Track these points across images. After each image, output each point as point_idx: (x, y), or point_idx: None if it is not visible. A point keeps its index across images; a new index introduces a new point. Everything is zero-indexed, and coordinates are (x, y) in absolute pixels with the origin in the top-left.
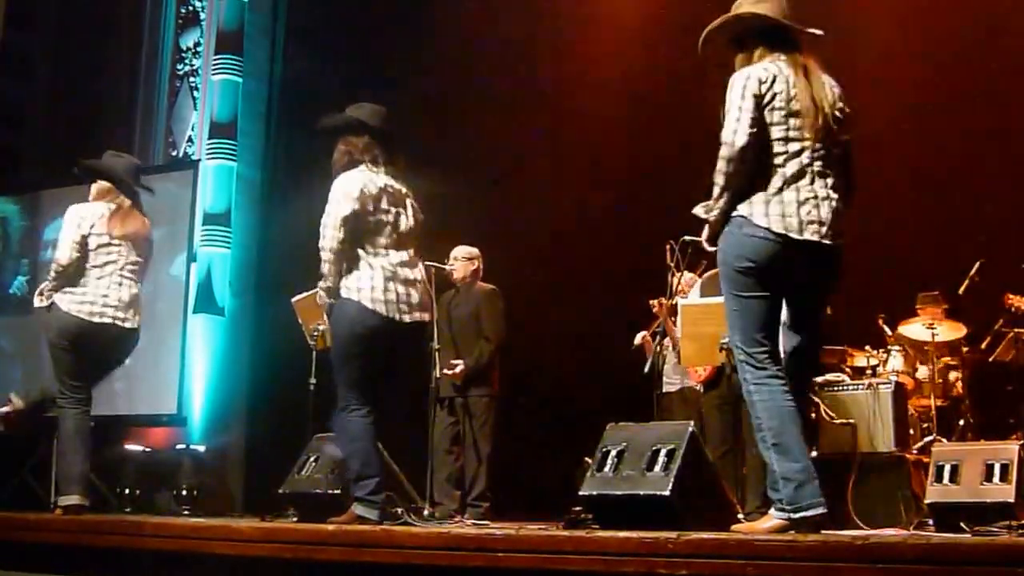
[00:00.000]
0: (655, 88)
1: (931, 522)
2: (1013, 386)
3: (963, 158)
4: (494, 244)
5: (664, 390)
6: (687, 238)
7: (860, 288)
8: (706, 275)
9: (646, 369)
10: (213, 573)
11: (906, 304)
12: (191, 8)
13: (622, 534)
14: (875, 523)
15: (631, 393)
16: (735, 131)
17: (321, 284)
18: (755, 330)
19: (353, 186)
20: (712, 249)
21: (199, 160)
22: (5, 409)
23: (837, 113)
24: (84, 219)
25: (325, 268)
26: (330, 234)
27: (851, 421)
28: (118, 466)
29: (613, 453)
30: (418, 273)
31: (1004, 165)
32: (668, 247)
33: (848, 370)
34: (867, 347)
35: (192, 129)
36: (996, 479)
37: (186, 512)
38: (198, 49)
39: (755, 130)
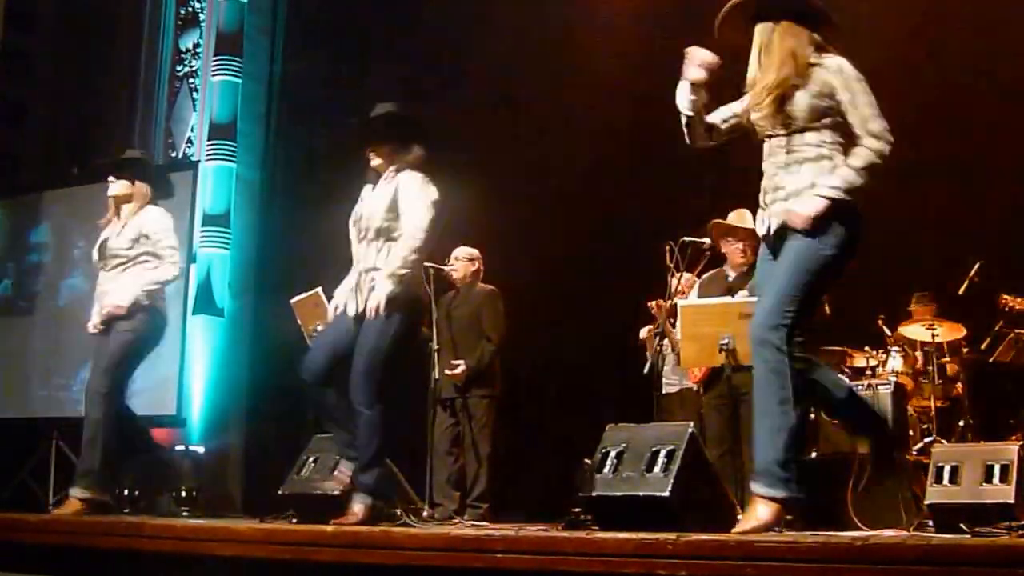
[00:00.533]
0: (656, 87)
1: (931, 523)
2: (1013, 387)
3: (963, 159)
4: (494, 245)
5: (663, 391)
6: (686, 239)
7: (860, 289)
8: (705, 276)
9: (645, 370)
10: (212, 574)
11: (906, 305)
12: (191, 9)
13: (622, 535)
14: (875, 524)
15: (630, 394)
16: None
17: (399, 271)
18: None
19: (435, 194)
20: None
21: (198, 161)
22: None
23: None
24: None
25: (411, 261)
26: (428, 231)
27: None
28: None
29: (612, 454)
30: None
31: (1004, 166)
32: (668, 248)
33: (847, 371)
34: (866, 348)
35: (191, 130)
36: (996, 480)
37: (185, 513)
38: (197, 50)
39: None
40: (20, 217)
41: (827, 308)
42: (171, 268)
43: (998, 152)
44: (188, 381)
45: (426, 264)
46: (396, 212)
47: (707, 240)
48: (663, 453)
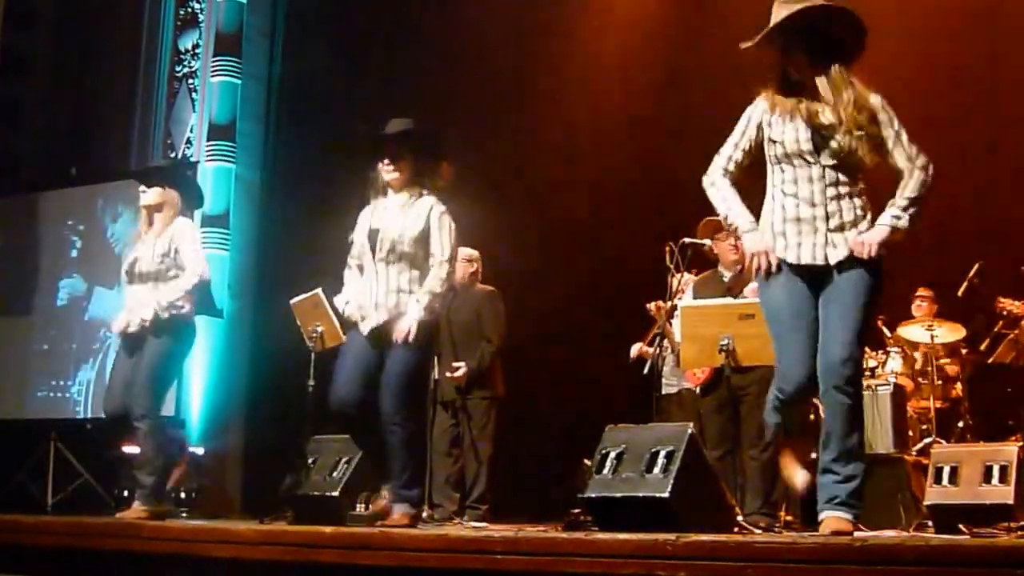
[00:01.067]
0: (656, 88)
1: (930, 523)
2: (1012, 388)
3: (963, 159)
4: (493, 246)
5: (663, 392)
6: (686, 240)
7: None
8: (699, 276)
9: (645, 370)
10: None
11: (905, 306)
12: (190, 10)
13: (621, 536)
14: (874, 525)
15: (630, 395)
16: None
17: (432, 302)
18: None
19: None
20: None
21: (198, 162)
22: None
23: None
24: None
25: (441, 292)
26: (452, 256)
27: None
28: (116, 469)
29: (612, 455)
30: None
31: (1004, 166)
32: (667, 249)
33: None
34: (866, 349)
35: (191, 131)
36: (995, 481)
37: (184, 514)
38: (197, 51)
39: None
40: (19, 217)
41: None
42: (191, 276)
43: (998, 152)
44: (187, 382)
45: None
46: (424, 242)
47: (708, 241)
48: (662, 454)
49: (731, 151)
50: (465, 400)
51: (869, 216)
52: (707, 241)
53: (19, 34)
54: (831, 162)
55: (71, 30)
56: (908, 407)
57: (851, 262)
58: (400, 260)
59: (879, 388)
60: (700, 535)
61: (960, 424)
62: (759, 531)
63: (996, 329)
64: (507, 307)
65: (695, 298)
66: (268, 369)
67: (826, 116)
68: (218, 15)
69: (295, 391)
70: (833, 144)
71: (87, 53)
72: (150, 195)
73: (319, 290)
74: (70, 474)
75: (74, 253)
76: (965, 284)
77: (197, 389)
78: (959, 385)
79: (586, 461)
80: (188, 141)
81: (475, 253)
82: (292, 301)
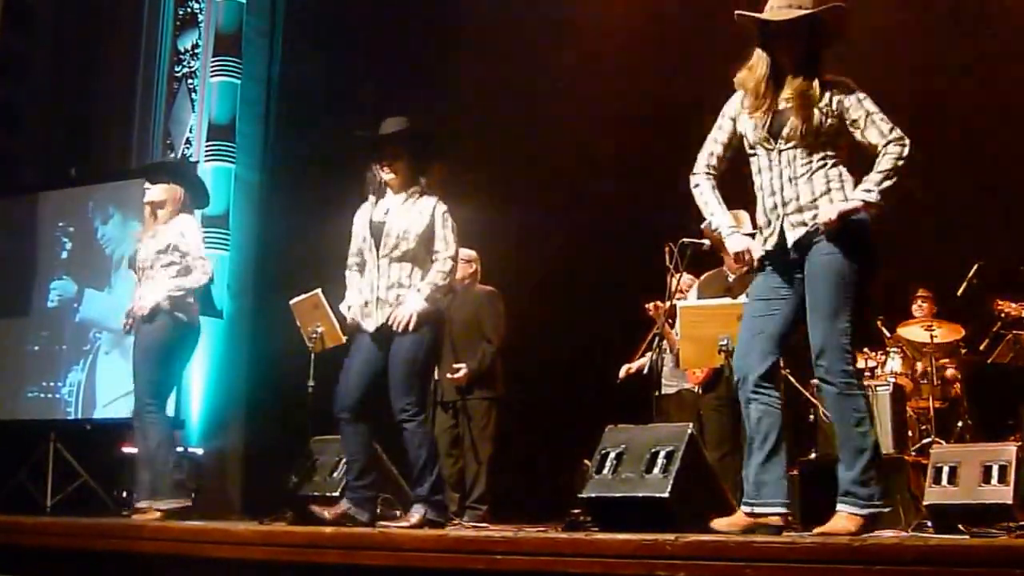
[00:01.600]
0: (657, 88)
1: (929, 523)
2: (1011, 388)
3: (962, 160)
4: (492, 246)
5: (663, 392)
6: (686, 240)
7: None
8: (705, 275)
9: (645, 371)
10: None
11: (905, 306)
12: (189, 10)
13: (621, 536)
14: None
15: (630, 395)
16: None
17: (433, 294)
18: None
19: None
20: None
21: (197, 162)
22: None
23: None
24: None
25: (442, 285)
26: (456, 253)
27: None
28: (116, 469)
29: (612, 455)
30: None
31: (1003, 167)
32: (667, 249)
33: None
34: (866, 349)
35: (190, 131)
36: (994, 481)
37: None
38: (196, 51)
39: None
40: (13, 218)
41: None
42: (201, 277)
43: (998, 152)
44: (187, 383)
45: None
46: (428, 239)
47: (707, 241)
48: (662, 454)
49: (711, 147)
50: (465, 400)
51: (836, 190)
52: (706, 241)
53: (17, 34)
54: (788, 145)
55: (70, 30)
56: (907, 407)
57: (822, 246)
58: (403, 258)
59: (879, 388)
60: (700, 535)
61: (959, 424)
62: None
63: (995, 329)
64: (507, 308)
65: (699, 297)
66: (268, 370)
67: (783, 99)
68: (217, 15)
69: (295, 392)
70: (786, 128)
71: (86, 53)
72: (154, 191)
73: (319, 291)
74: (69, 475)
75: (64, 255)
76: (964, 284)
77: (197, 390)
78: (958, 385)
79: (586, 461)
80: (187, 141)
81: (473, 254)
82: (292, 302)
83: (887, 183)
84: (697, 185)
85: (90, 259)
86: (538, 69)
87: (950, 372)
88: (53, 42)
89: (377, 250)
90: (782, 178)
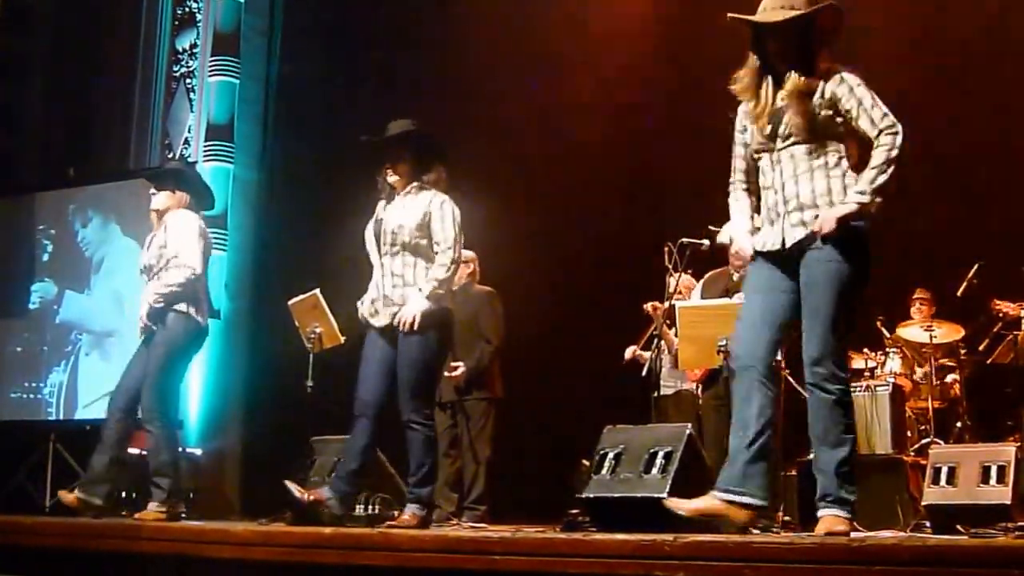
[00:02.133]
0: (657, 89)
1: (928, 524)
2: (1011, 388)
3: (962, 160)
4: (491, 246)
5: (661, 392)
6: (685, 240)
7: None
8: (708, 275)
9: (644, 371)
10: None
11: (904, 306)
12: (187, 9)
13: (620, 536)
14: (872, 525)
15: (628, 396)
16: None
17: (436, 290)
18: None
19: (457, 211)
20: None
21: (195, 162)
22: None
23: None
24: (203, 230)
25: (446, 280)
26: (459, 251)
27: None
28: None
29: (611, 455)
30: None
31: (1003, 168)
32: (666, 249)
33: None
34: (865, 349)
35: (188, 131)
36: (993, 481)
37: (182, 515)
38: (194, 51)
39: None
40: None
41: None
42: (184, 271)
43: (997, 153)
44: (185, 383)
45: None
46: (426, 230)
47: (706, 242)
48: (661, 455)
49: (735, 162)
50: (463, 401)
51: (838, 191)
52: (705, 242)
53: (15, 34)
54: (788, 143)
55: (68, 30)
56: (907, 407)
57: (820, 248)
58: (403, 251)
59: (878, 388)
60: (698, 535)
61: (958, 425)
62: (757, 531)
63: (995, 329)
64: (506, 308)
65: (703, 296)
66: (266, 370)
67: (779, 99)
68: (216, 15)
69: (293, 392)
70: (785, 125)
71: (83, 53)
72: (160, 199)
73: (317, 291)
74: (68, 475)
75: (45, 257)
76: (964, 284)
77: (195, 390)
78: (957, 386)
79: (584, 462)
80: (186, 141)
81: (472, 254)
82: (290, 302)
83: (881, 179)
84: (734, 197)
85: (70, 262)
86: (538, 69)
87: (950, 372)
88: (51, 42)
89: (379, 248)
90: (783, 176)
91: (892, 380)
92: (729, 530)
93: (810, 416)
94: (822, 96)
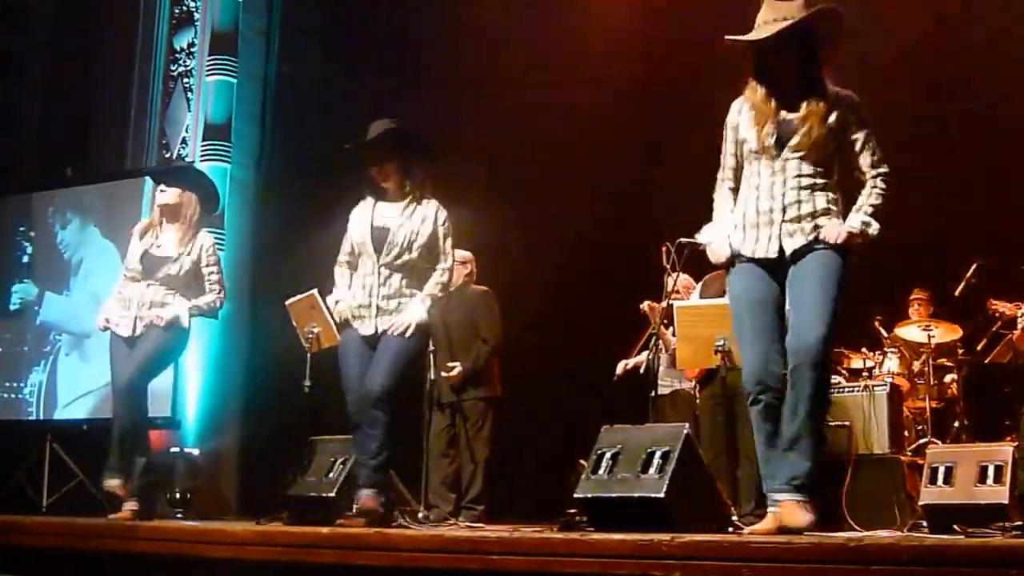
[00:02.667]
0: (655, 90)
1: (925, 524)
2: (1008, 388)
3: (961, 160)
4: (489, 247)
5: (659, 392)
6: (683, 240)
7: (856, 290)
8: (706, 277)
9: (641, 371)
10: None
11: (903, 306)
12: (185, 8)
13: (617, 536)
14: (869, 524)
15: (625, 395)
16: None
17: (436, 300)
18: None
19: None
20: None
21: (193, 162)
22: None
23: None
24: None
25: (441, 294)
26: (453, 258)
27: (846, 423)
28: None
29: (608, 455)
30: None
31: (1001, 168)
32: (664, 249)
33: (844, 372)
34: (863, 349)
35: (186, 130)
36: (990, 481)
37: (180, 515)
38: (192, 50)
39: None
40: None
41: None
42: (221, 295)
43: (996, 153)
44: (183, 383)
45: None
46: (426, 247)
47: (703, 242)
48: (658, 454)
49: (725, 160)
50: (461, 401)
51: (836, 210)
52: (702, 241)
53: (13, 34)
54: (794, 155)
55: (65, 29)
56: (904, 407)
57: (813, 253)
58: (403, 267)
59: (876, 388)
60: (695, 535)
61: (956, 424)
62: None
63: (993, 329)
64: (503, 308)
65: (702, 297)
66: (264, 370)
67: (792, 111)
68: (213, 13)
69: (291, 392)
70: (796, 139)
71: (80, 52)
72: (169, 194)
73: (315, 291)
74: (66, 475)
75: (25, 259)
76: (962, 284)
77: (193, 390)
78: (955, 385)
79: (582, 461)
80: (183, 140)
81: (469, 255)
82: (288, 302)
83: (878, 217)
84: (716, 191)
85: (50, 263)
86: (537, 68)
87: (947, 372)
88: (48, 41)
89: (377, 256)
90: (785, 186)
91: (890, 380)
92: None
93: (793, 398)
94: (834, 120)
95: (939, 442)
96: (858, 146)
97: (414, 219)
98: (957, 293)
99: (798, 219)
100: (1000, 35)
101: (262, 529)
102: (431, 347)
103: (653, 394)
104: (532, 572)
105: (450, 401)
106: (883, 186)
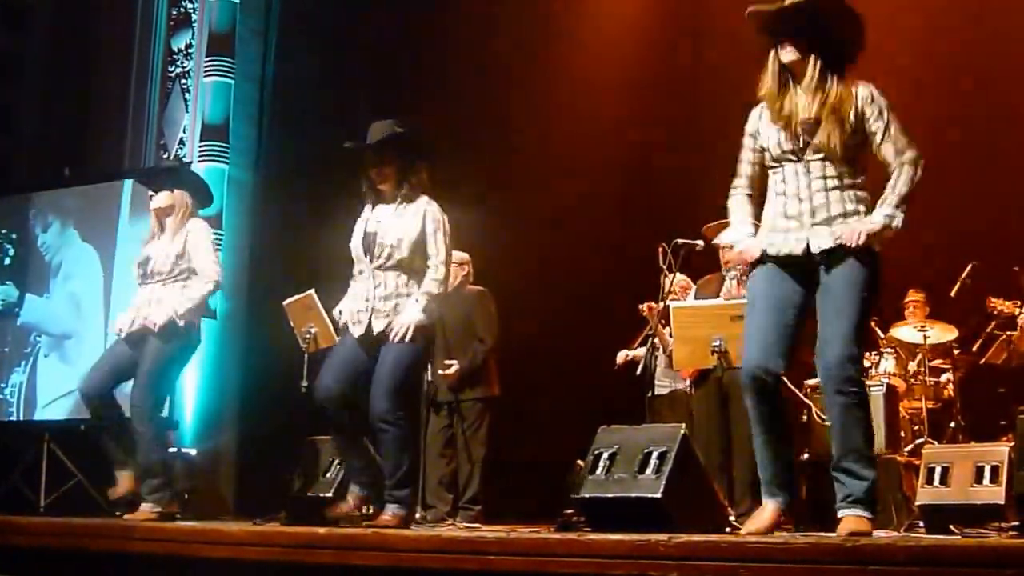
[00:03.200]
0: (652, 91)
1: (921, 524)
2: (1004, 388)
3: (957, 161)
4: (487, 247)
5: (656, 392)
6: (679, 241)
7: None
8: (701, 280)
9: (638, 371)
10: None
11: (898, 307)
12: (183, 9)
13: (614, 537)
14: None
15: (623, 396)
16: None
17: (430, 303)
18: None
19: (446, 220)
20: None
21: (190, 162)
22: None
23: None
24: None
25: (438, 293)
26: (449, 257)
27: None
28: (109, 469)
29: (605, 456)
30: None
31: (998, 168)
32: (660, 249)
33: None
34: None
35: (183, 131)
36: (986, 481)
37: (177, 516)
38: (190, 51)
39: None
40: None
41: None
42: (208, 284)
43: (993, 153)
44: (180, 383)
45: None
46: (421, 246)
47: (700, 243)
48: (655, 455)
49: (742, 167)
50: (459, 401)
51: (864, 209)
52: (699, 242)
53: (10, 35)
54: (816, 156)
55: (63, 30)
56: (900, 408)
57: (841, 256)
58: (397, 267)
59: (872, 388)
60: (693, 535)
61: (952, 425)
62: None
63: (988, 330)
64: (500, 308)
65: (696, 298)
66: (261, 370)
67: (809, 111)
68: (211, 15)
69: (288, 392)
70: (816, 139)
71: (78, 53)
72: (161, 198)
73: (312, 291)
74: (63, 475)
75: (7, 261)
76: (958, 285)
77: (190, 390)
78: (951, 386)
79: (579, 462)
80: (181, 141)
81: (466, 256)
82: (285, 302)
83: (904, 206)
84: (730, 197)
85: (31, 266)
86: (535, 68)
87: (943, 373)
88: (46, 43)
89: (371, 259)
90: (811, 188)
91: (886, 380)
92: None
93: (832, 419)
94: (853, 118)
95: (935, 442)
96: (879, 137)
97: (403, 218)
98: (952, 294)
99: (827, 221)
100: (998, 36)
101: (259, 529)
102: None
103: (650, 395)
104: (529, 572)
105: (447, 400)
106: (910, 171)
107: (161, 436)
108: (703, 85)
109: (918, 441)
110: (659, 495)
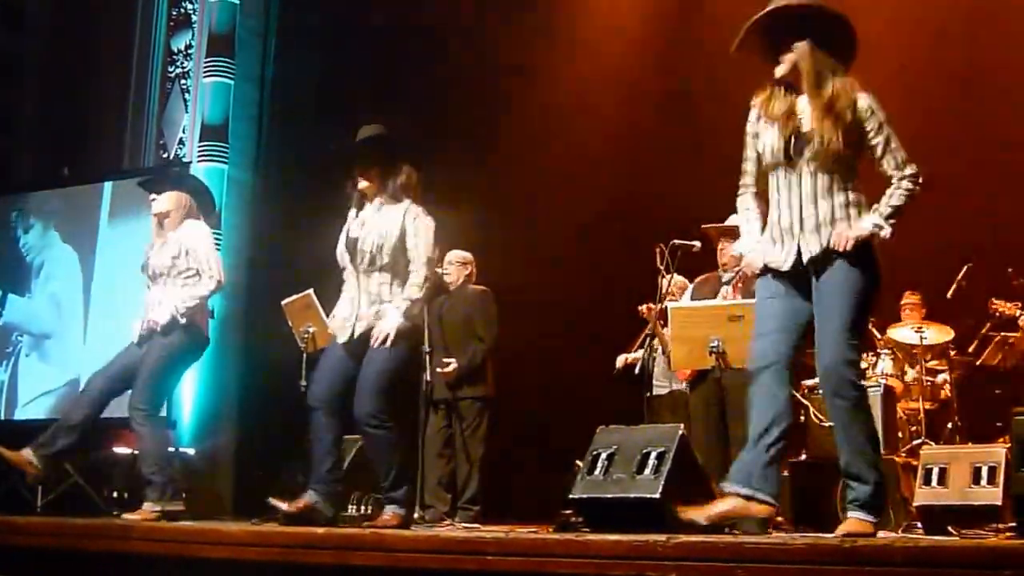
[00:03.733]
0: (650, 95)
1: (919, 525)
2: (1001, 389)
3: (955, 162)
4: (487, 247)
5: (654, 393)
6: (676, 241)
7: None
8: (697, 280)
9: (636, 371)
10: None
11: (895, 308)
12: (183, 10)
13: (612, 537)
14: None
15: (621, 396)
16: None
17: (411, 308)
18: None
19: (432, 223)
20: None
21: (190, 163)
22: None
23: None
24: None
25: (420, 297)
26: (433, 265)
27: None
28: (106, 469)
29: (603, 456)
30: None
31: (995, 170)
32: (658, 250)
33: None
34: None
35: (183, 131)
36: (984, 482)
37: (181, 513)
38: (189, 51)
39: None
40: None
41: None
42: (209, 283)
43: (991, 155)
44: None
45: None
46: (403, 247)
47: (697, 243)
48: (653, 455)
49: (746, 166)
50: (457, 401)
51: (855, 215)
52: (696, 243)
53: (10, 35)
54: (810, 166)
55: (63, 31)
56: (898, 409)
57: (833, 262)
58: (381, 270)
59: (869, 389)
60: (691, 536)
61: (949, 425)
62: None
63: (984, 331)
64: (502, 308)
65: (693, 298)
66: (259, 370)
67: (806, 120)
68: (211, 15)
69: (287, 392)
70: (810, 149)
71: (79, 54)
72: (161, 202)
73: (310, 291)
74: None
75: None
76: (954, 287)
77: (188, 390)
78: (948, 387)
79: (577, 462)
80: (180, 142)
81: (469, 256)
82: (284, 302)
83: (895, 220)
84: (738, 197)
85: (13, 266)
86: (534, 68)
87: (940, 374)
88: (46, 43)
89: (355, 264)
90: (801, 197)
91: (883, 381)
92: (750, 529)
93: (834, 424)
94: (850, 124)
95: (933, 443)
96: (879, 151)
97: (383, 221)
98: (949, 295)
99: (816, 228)
100: (996, 37)
101: (259, 529)
102: (427, 348)
103: (648, 395)
104: (528, 573)
105: (445, 399)
106: (908, 187)
107: (161, 433)
108: (701, 87)
109: (916, 442)
110: (657, 495)
